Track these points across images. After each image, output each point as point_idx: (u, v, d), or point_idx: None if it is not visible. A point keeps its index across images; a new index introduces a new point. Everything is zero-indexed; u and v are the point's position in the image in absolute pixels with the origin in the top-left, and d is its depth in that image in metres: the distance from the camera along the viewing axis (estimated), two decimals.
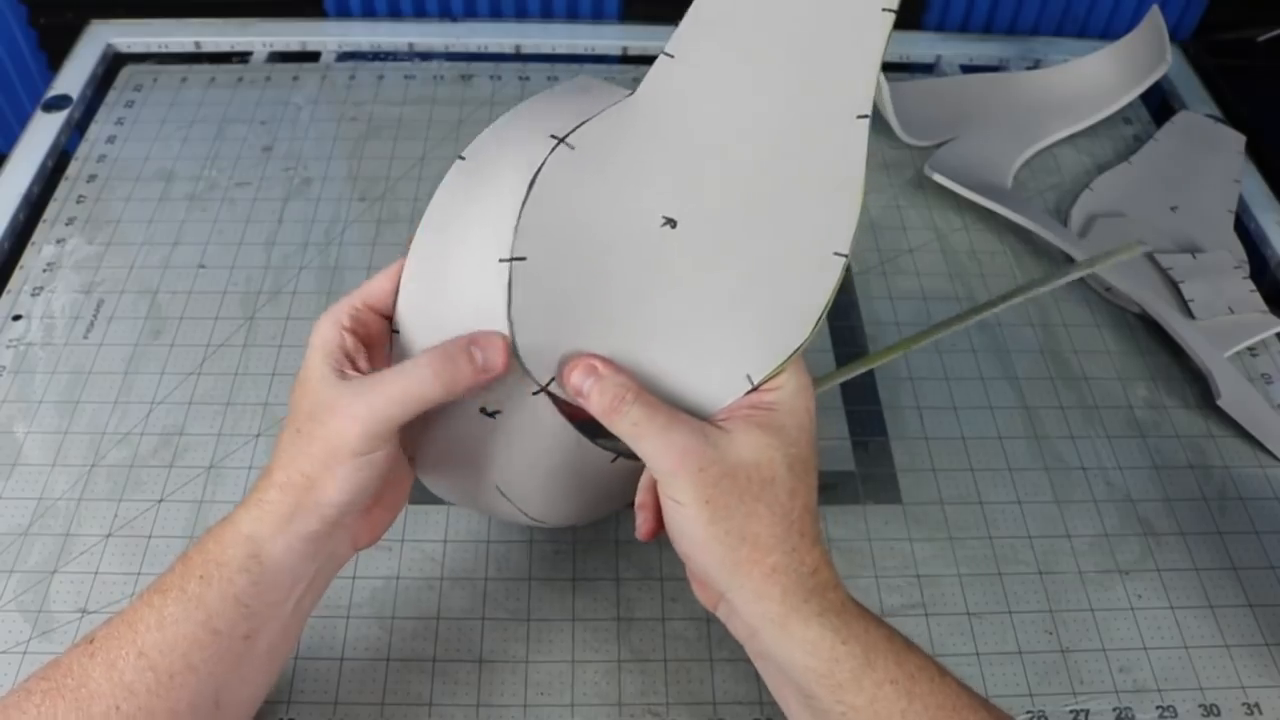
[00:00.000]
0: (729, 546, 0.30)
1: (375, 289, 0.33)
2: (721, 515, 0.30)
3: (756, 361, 0.32)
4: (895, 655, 0.30)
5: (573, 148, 0.32)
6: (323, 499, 0.31)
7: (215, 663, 0.30)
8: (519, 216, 0.31)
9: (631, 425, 0.31)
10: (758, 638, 0.31)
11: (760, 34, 0.33)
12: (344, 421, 0.30)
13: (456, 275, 0.32)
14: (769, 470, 0.31)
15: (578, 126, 0.33)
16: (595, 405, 0.31)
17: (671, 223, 0.33)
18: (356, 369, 0.32)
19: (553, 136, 0.32)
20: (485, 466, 0.34)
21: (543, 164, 0.32)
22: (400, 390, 0.30)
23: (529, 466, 0.34)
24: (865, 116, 0.32)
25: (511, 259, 0.31)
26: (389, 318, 0.33)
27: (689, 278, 0.33)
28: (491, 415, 0.33)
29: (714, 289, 0.33)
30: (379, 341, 0.33)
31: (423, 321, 0.33)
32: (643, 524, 0.33)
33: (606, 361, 0.32)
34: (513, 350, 0.31)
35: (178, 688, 0.30)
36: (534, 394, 0.32)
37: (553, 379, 0.32)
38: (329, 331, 0.32)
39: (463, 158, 0.35)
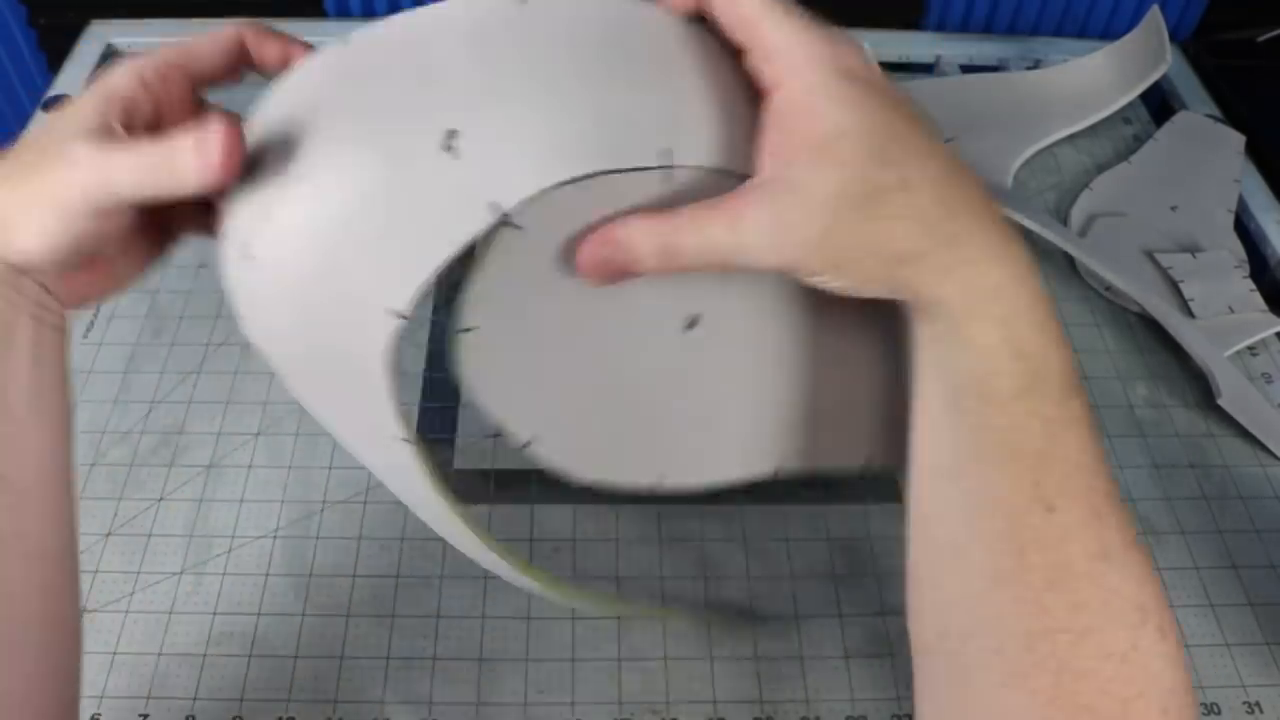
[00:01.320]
0: (887, 276, 0.25)
1: (202, 57, 0.29)
2: (856, 263, 0.25)
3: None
4: (1062, 392, 0.26)
5: (519, 228, 0.25)
6: (14, 245, 0.26)
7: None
8: (464, 289, 0.26)
9: (700, 252, 0.25)
10: (932, 342, 0.26)
11: None
12: (76, 175, 0.25)
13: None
14: (863, 180, 0.24)
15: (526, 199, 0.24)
16: (644, 261, 0.25)
17: (693, 322, 0.27)
18: (111, 128, 0.27)
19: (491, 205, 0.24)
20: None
21: (480, 239, 0.25)
22: (133, 166, 0.26)
23: None
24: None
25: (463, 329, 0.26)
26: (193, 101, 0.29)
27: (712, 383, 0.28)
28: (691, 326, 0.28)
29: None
30: (165, 121, 0.28)
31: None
32: None
33: (613, 225, 0.25)
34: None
35: None
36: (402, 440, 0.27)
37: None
38: (124, 81, 0.27)
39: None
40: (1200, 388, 0.48)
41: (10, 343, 0.27)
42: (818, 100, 0.24)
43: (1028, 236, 0.55)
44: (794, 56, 0.25)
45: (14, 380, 0.27)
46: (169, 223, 0.31)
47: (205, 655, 0.38)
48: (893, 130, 0.25)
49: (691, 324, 0.28)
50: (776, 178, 0.25)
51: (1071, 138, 0.61)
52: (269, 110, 0.28)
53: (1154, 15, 0.61)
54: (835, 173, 0.24)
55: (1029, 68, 0.66)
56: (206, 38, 0.29)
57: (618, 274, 0.25)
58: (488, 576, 0.40)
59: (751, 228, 0.24)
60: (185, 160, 0.26)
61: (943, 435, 0.26)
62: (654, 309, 0.28)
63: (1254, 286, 0.52)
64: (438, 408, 0.46)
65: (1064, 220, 0.56)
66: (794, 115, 0.25)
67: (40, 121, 0.59)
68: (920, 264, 0.25)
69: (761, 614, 0.40)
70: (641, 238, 0.25)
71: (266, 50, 0.30)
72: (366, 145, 0.25)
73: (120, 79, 0.28)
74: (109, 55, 0.65)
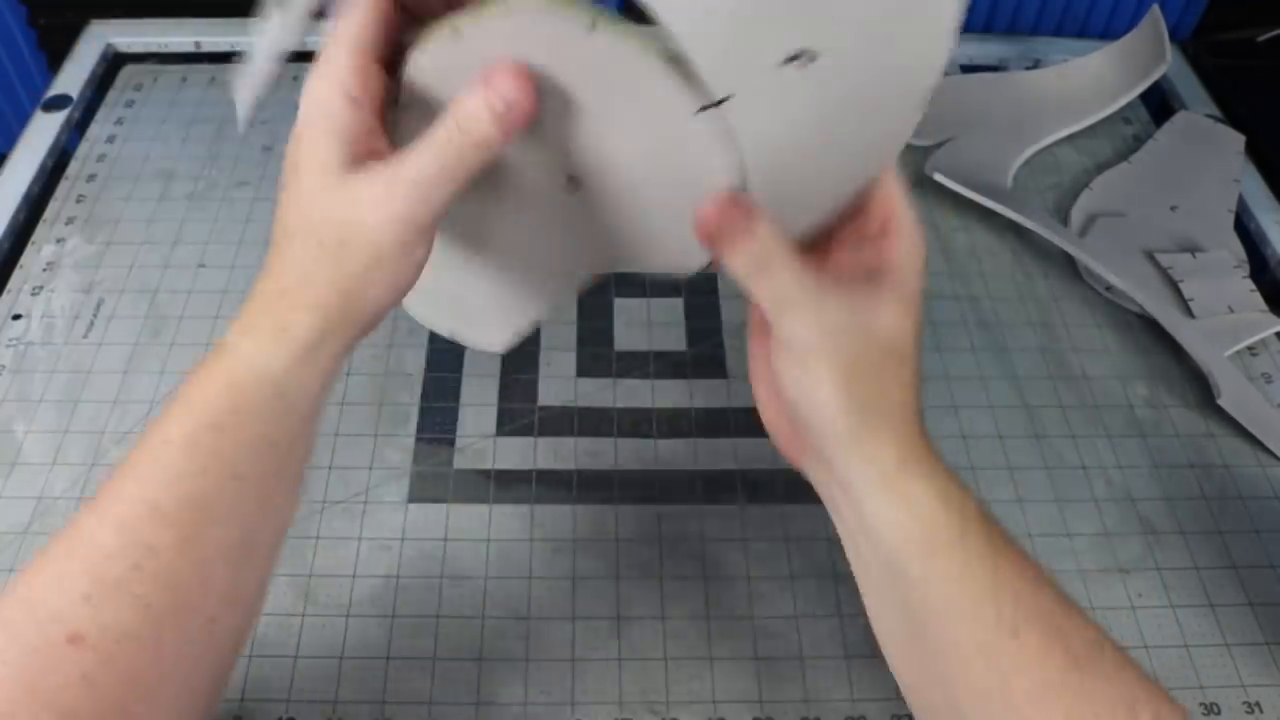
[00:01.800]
0: (854, 415, 0.27)
1: (370, 33, 0.27)
2: (856, 388, 0.28)
3: None
4: (987, 531, 0.28)
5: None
6: (365, 309, 0.27)
7: (242, 507, 0.27)
8: None
9: (773, 298, 0.27)
10: (864, 501, 0.28)
11: None
12: (383, 226, 0.26)
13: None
14: (903, 346, 0.29)
15: None
16: (737, 263, 0.27)
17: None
18: (374, 154, 0.27)
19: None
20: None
21: None
22: (434, 165, 0.26)
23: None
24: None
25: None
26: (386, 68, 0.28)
27: None
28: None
29: None
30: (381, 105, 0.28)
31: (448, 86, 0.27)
32: (755, 378, 0.31)
33: (755, 208, 0.27)
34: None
35: (202, 540, 0.26)
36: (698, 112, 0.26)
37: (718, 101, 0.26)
38: (334, 104, 0.27)
39: None
40: (1200, 388, 0.48)
41: (315, 415, 0.29)
42: (919, 266, 0.30)
43: (1028, 236, 0.55)
44: (917, 220, 0.30)
45: (303, 447, 0.29)
46: None
47: None
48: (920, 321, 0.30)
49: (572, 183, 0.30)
50: (872, 285, 0.29)
51: (1071, 137, 0.61)
52: None
53: (1154, 15, 0.61)
54: (900, 318, 0.29)
55: (1028, 67, 0.66)
56: (363, 16, 0.28)
57: (714, 240, 0.27)
58: (487, 578, 0.40)
59: (830, 312, 0.28)
60: (480, 120, 0.26)
61: (897, 604, 0.29)
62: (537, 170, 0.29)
63: (1254, 286, 0.52)
64: (438, 407, 0.46)
65: (1064, 220, 0.56)
66: (905, 260, 0.29)
67: (40, 121, 0.59)
68: (886, 423, 0.28)
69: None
70: (768, 234, 0.27)
71: None
72: None
73: (333, 103, 0.27)
74: (109, 55, 0.65)
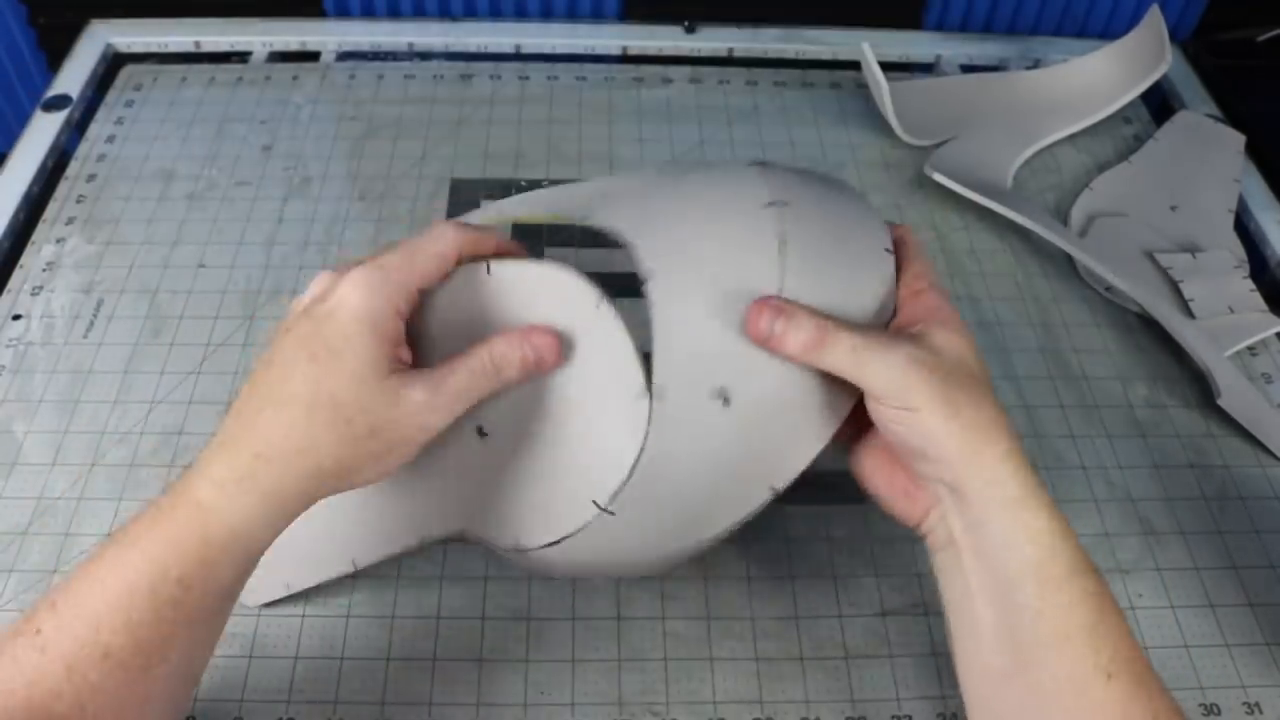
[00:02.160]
0: (966, 437, 0.30)
1: (430, 273, 0.32)
2: (956, 408, 0.30)
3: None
4: (1095, 573, 0.30)
5: None
6: (355, 481, 0.31)
7: (192, 647, 0.30)
8: None
9: (850, 352, 0.30)
10: (982, 525, 0.30)
11: None
12: (414, 428, 0.30)
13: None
14: (973, 362, 0.32)
15: None
16: (794, 344, 0.30)
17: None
18: (401, 360, 0.31)
19: None
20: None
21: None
22: (466, 387, 0.31)
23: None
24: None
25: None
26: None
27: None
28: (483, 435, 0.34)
29: None
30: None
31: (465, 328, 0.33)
32: (860, 464, 0.34)
33: (789, 301, 0.31)
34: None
35: (149, 678, 0.28)
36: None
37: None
38: (388, 316, 0.30)
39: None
40: (1200, 388, 0.48)
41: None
42: (948, 307, 0.33)
43: (1028, 236, 0.55)
44: (934, 280, 0.34)
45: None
46: None
47: None
48: (979, 355, 0.32)
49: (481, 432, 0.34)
50: (912, 335, 0.32)
51: (1071, 137, 0.61)
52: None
53: (1154, 15, 0.61)
54: (959, 348, 0.31)
55: (1029, 67, 0.66)
56: (435, 259, 0.32)
57: (769, 338, 0.31)
58: (487, 577, 0.40)
59: (899, 351, 0.30)
60: (511, 358, 0.32)
61: (1001, 634, 0.30)
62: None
63: (1254, 286, 0.52)
64: None
65: (1064, 220, 0.56)
66: (934, 306, 0.33)
67: (40, 120, 0.59)
68: (994, 440, 0.30)
69: None
70: (807, 321, 0.31)
71: (481, 252, 0.34)
72: None
73: (386, 316, 0.30)
74: (109, 55, 0.65)
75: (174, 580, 0.28)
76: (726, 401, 0.31)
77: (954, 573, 0.32)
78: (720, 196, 0.33)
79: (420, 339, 0.33)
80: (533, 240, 0.53)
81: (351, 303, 0.30)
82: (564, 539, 0.32)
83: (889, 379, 0.30)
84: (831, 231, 0.33)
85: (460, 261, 0.33)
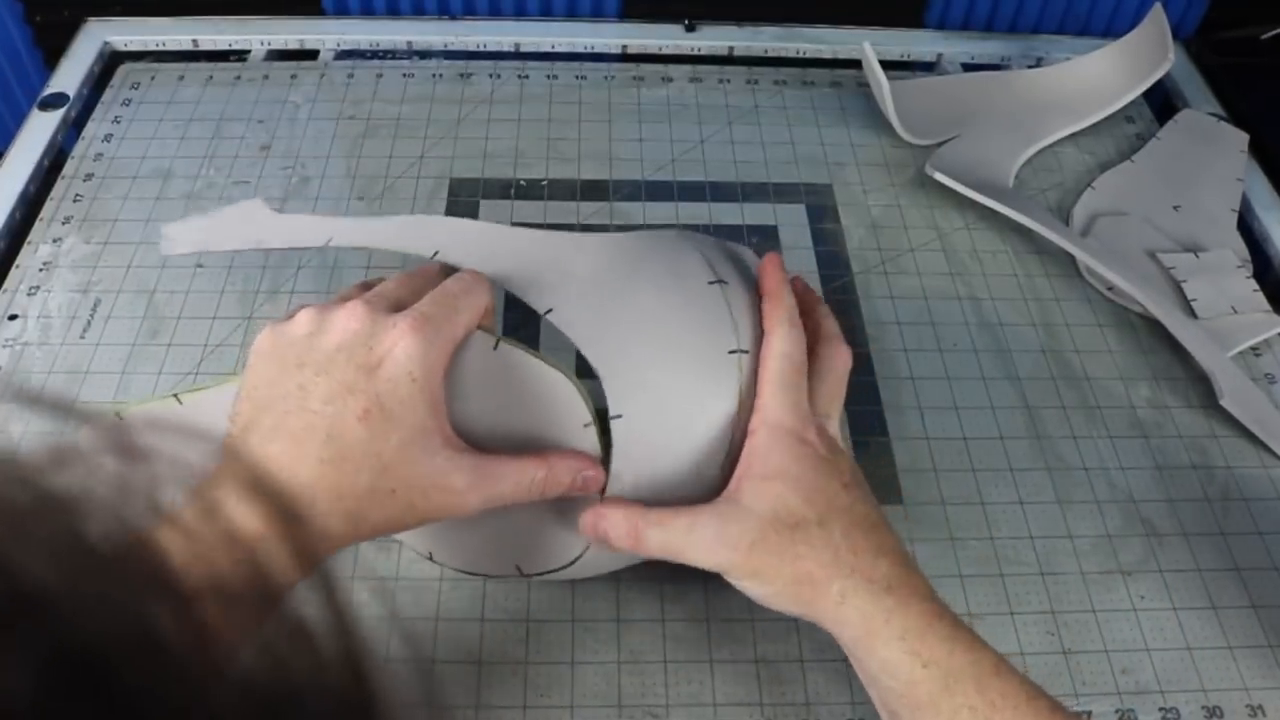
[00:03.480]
0: (792, 594, 0.32)
1: (470, 329, 0.32)
2: (771, 574, 0.31)
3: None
4: (977, 681, 0.30)
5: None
6: (363, 536, 0.30)
7: None
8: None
9: (660, 547, 0.32)
10: (851, 656, 0.33)
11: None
12: (444, 509, 0.30)
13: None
14: (789, 511, 0.32)
15: None
16: (617, 541, 0.32)
17: None
18: (445, 425, 0.31)
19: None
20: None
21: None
22: (509, 491, 0.31)
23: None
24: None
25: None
26: None
27: None
28: None
29: None
30: None
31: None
32: None
33: (606, 500, 0.33)
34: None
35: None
36: None
37: None
38: (438, 378, 0.30)
39: None
40: (1203, 388, 0.48)
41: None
42: (773, 450, 0.33)
43: (1030, 236, 0.54)
44: (770, 415, 0.33)
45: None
46: None
47: None
48: (822, 485, 0.32)
49: None
50: (728, 499, 0.33)
51: (1074, 136, 0.61)
52: None
53: (1156, 13, 0.61)
54: (771, 499, 0.32)
55: (1031, 66, 0.66)
56: (473, 313, 0.32)
57: (599, 536, 0.33)
58: (487, 579, 0.40)
59: (701, 533, 0.32)
60: (562, 483, 0.32)
61: None
62: None
63: (1257, 286, 0.51)
64: None
65: (1066, 220, 0.56)
66: (754, 453, 0.33)
67: (37, 119, 0.59)
68: (822, 588, 0.31)
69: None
70: (621, 520, 0.32)
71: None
72: None
73: (438, 382, 0.30)
74: (106, 53, 0.65)
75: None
76: None
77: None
78: (685, 335, 0.34)
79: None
80: None
81: (405, 357, 0.29)
82: (479, 574, 0.37)
83: (702, 562, 0.32)
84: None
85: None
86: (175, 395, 0.37)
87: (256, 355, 0.31)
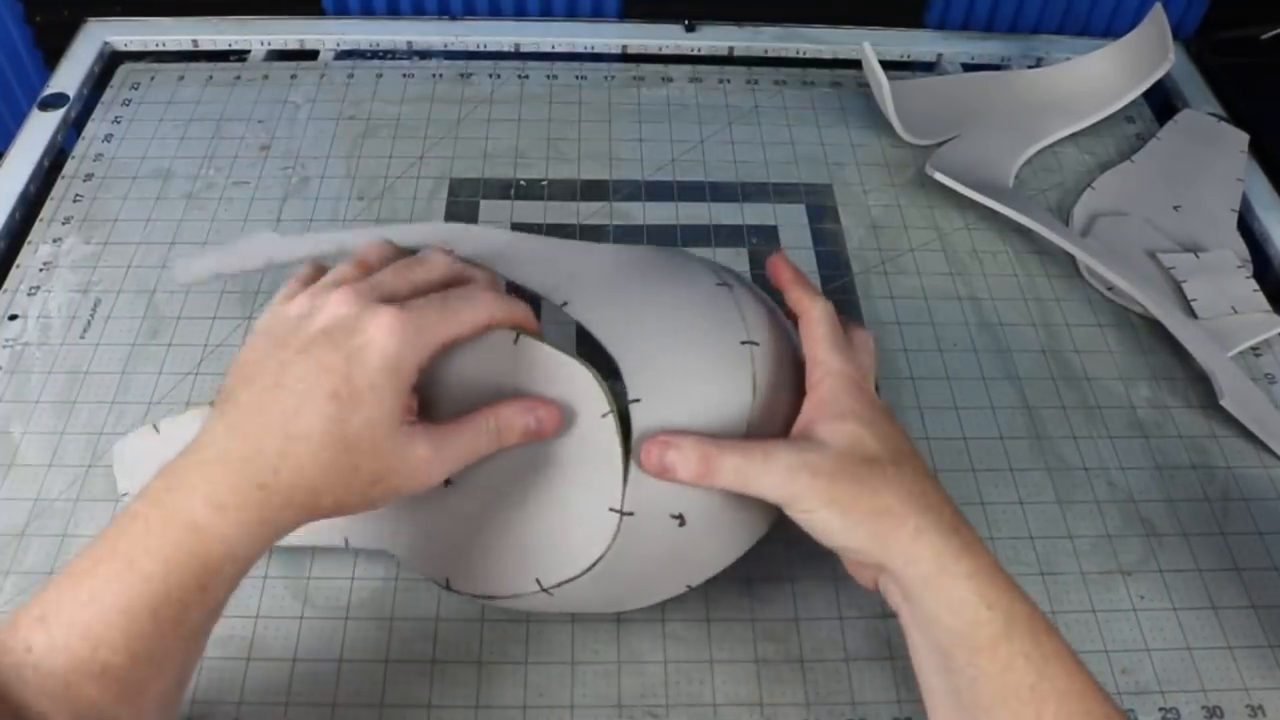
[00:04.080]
0: (869, 527, 0.31)
1: (461, 336, 0.32)
2: (849, 504, 0.31)
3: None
4: (1034, 634, 0.30)
5: None
6: (343, 514, 0.31)
7: (185, 659, 0.30)
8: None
9: (734, 473, 0.32)
10: (912, 599, 0.32)
11: None
12: (413, 481, 0.31)
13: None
14: (864, 449, 0.32)
15: None
16: (686, 473, 0.32)
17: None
18: (410, 410, 0.31)
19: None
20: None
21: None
22: (469, 448, 0.32)
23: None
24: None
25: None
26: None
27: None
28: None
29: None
30: None
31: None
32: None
33: (671, 433, 0.32)
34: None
35: (143, 692, 0.28)
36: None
37: None
38: (411, 369, 0.31)
39: None
40: (1203, 389, 0.48)
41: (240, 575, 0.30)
42: (841, 395, 0.33)
43: (1030, 236, 0.55)
44: (834, 365, 0.34)
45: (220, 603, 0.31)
46: None
47: (203, 659, 0.37)
48: (890, 431, 0.33)
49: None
50: (804, 433, 0.33)
51: (1074, 136, 0.61)
52: None
53: (1157, 13, 0.61)
54: (847, 437, 0.32)
55: (1031, 66, 0.66)
56: (469, 326, 0.33)
57: (664, 469, 0.32)
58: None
59: (778, 460, 0.32)
60: (517, 425, 0.33)
61: (949, 698, 0.31)
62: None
63: (1257, 286, 0.51)
64: None
65: (1066, 220, 0.56)
66: (824, 400, 0.33)
67: (37, 119, 0.59)
68: (900, 520, 0.31)
69: None
70: (691, 447, 0.32)
71: (511, 323, 0.35)
72: None
73: (410, 369, 0.31)
74: (106, 53, 0.65)
75: (175, 602, 0.28)
76: (682, 522, 0.33)
77: (907, 635, 0.33)
78: (700, 326, 0.35)
79: (431, 386, 0.34)
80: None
81: (382, 347, 0.30)
82: (498, 599, 0.35)
83: (776, 490, 0.32)
84: (789, 364, 0.36)
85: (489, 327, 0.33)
86: (154, 425, 0.39)
87: (255, 332, 0.32)
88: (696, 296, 0.36)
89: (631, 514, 0.33)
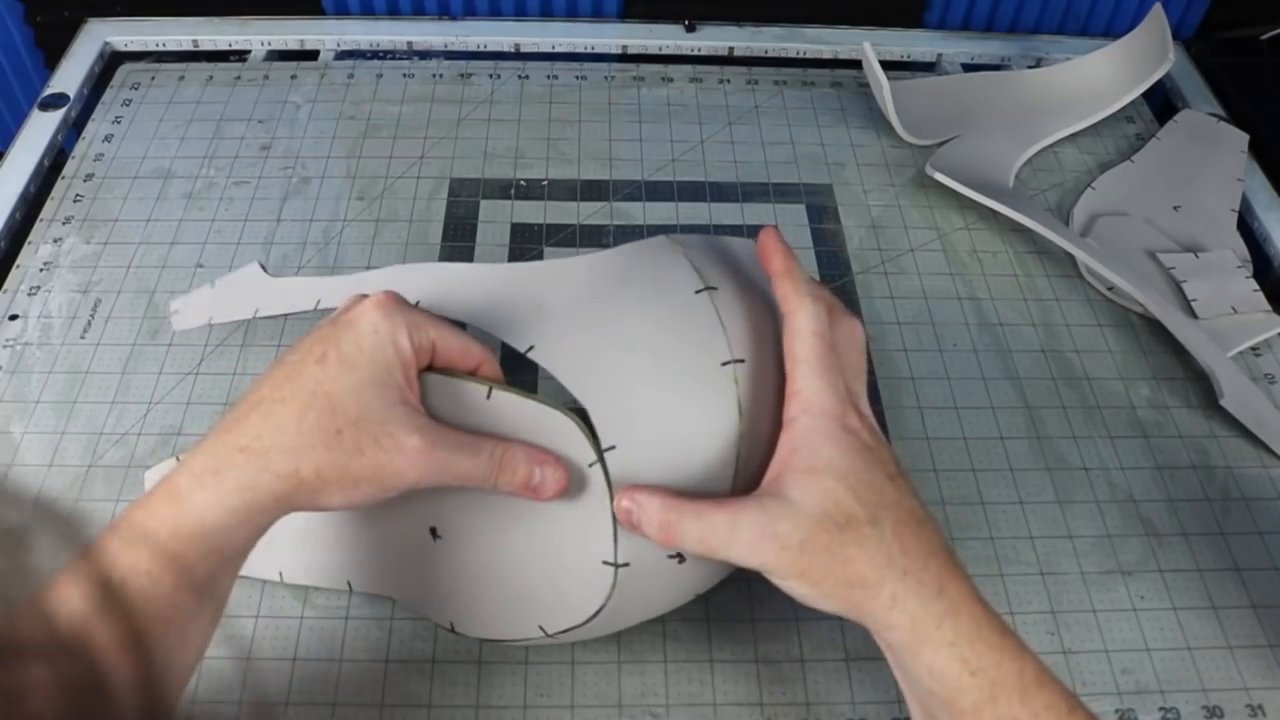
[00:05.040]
0: (842, 596, 0.30)
1: (449, 349, 0.32)
2: (820, 577, 0.29)
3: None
4: (1021, 692, 0.29)
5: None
6: (321, 503, 0.30)
7: (167, 645, 0.28)
8: None
9: (699, 544, 0.30)
10: (893, 657, 0.31)
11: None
12: (393, 470, 0.30)
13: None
14: (839, 510, 0.30)
15: None
16: (651, 534, 0.30)
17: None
18: (410, 397, 0.31)
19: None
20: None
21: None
22: (462, 467, 0.31)
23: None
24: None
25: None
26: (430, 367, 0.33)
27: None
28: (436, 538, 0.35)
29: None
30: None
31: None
32: None
33: (639, 487, 0.31)
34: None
35: (118, 677, 0.27)
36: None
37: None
38: (404, 342, 0.31)
39: None
40: (1203, 389, 0.48)
41: (241, 557, 0.30)
42: (818, 439, 0.30)
43: (1030, 236, 0.55)
44: (811, 400, 0.31)
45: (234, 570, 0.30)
46: None
47: (203, 659, 0.37)
48: (870, 478, 0.30)
49: (435, 534, 0.35)
50: (774, 492, 0.30)
51: (1073, 137, 0.61)
52: None
53: (1156, 13, 0.61)
54: (820, 496, 0.30)
55: (1030, 66, 0.66)
56: (459, 340, 0.32)
57: (634, 528, 0.31)
58: None
59: (744, 529, 0.29)
60: (518, 472, 0.31)
61: None
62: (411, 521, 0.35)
63: (1257, 286, 0.51)
64: None
65: (1066, 220, 0.56)
66: (797, 445, 0.31)
67: (37, 119, 0.59)
68: (874, 591, 0.29)
69: None
70: (656, 508, 0.30)
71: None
72: None
73: (408, 348, 0.31)
74: (106, 53, 0.65)
75: (143, 574, 0.27)
76: (681, 560, 0.32)
77: (894, 673, 0.32)
78: (676, 352, 0.32)
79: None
80: (532, 242, 0.53)
81: (371, 317, 0.30)
82: (503, 642, 0.35)
83: (743, 560, 0.30)
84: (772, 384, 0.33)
85: (474, 372, 0.33)
86: (176, 457, 0.39)
87: None
88: (673, 315, 0.33)
89: (627, 564, 0.31)
